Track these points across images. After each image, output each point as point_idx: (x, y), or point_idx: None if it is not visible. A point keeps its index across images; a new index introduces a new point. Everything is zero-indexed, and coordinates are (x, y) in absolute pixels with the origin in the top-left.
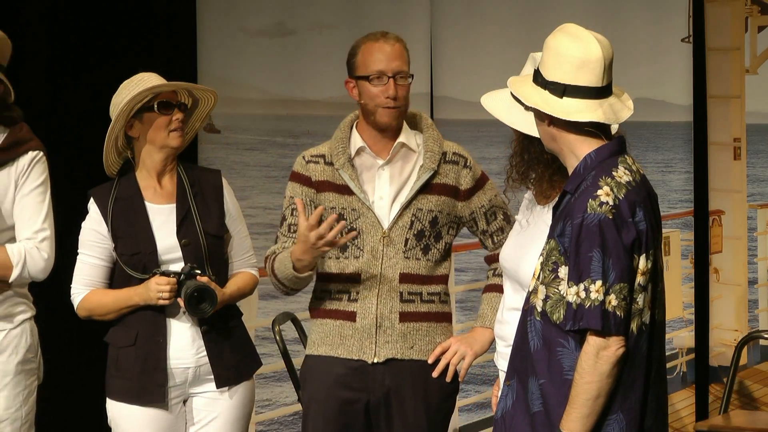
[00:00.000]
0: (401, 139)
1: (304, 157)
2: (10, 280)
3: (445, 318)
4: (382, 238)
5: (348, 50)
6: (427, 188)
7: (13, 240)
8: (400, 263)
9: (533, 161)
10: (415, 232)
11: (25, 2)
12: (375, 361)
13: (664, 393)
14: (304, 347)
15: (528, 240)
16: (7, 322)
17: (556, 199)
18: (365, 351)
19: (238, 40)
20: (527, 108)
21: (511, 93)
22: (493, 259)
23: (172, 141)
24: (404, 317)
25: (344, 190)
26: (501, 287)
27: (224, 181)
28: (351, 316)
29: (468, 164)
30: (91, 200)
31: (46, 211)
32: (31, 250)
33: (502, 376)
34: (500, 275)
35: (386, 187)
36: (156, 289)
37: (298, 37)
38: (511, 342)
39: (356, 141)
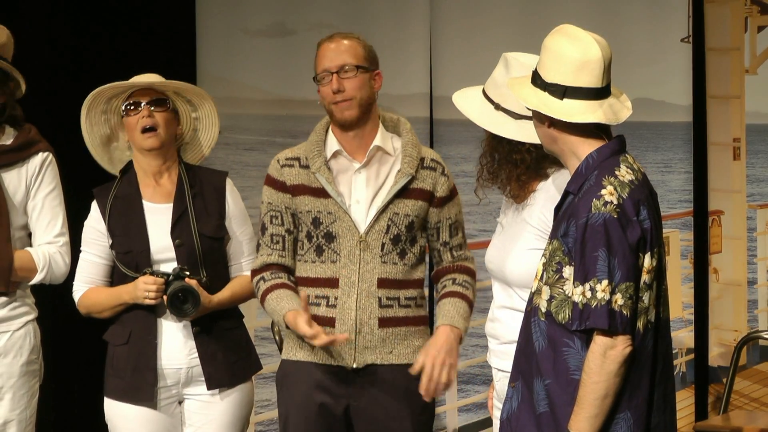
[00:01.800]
0: (377, 142)
1: (278, 161)
2: (31, 283)
3: (423, 321)
4: (359, 243)
5: None
6: (404, 193)
7: (24, 239)
8: (378, 268)
9: (502, 161)
10: (392, 237)
11: (24, 2)
12: (354, 366)
13: (672, 390)
14: None
15: (508, 240)
16: (10, 324)
17: (530, 197)
18: (345, 357)
19: (238, 40)
20: (494, 108)
21: (485, 93)
22: (448, 271)
23: (144, 142)
24: (383, 323)
25: (320, 193)
26: (461, 294)
27: (229, 183)
28: (330, 322)
29: (445, 173)
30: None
31: (63, 214)
32: (55, 255)
33: (495, 373)
34: (461, 284)
35: (363, 191)
36: (143, 288)
37: (297, 37)
38: (504, 340)
39: (332, 143)
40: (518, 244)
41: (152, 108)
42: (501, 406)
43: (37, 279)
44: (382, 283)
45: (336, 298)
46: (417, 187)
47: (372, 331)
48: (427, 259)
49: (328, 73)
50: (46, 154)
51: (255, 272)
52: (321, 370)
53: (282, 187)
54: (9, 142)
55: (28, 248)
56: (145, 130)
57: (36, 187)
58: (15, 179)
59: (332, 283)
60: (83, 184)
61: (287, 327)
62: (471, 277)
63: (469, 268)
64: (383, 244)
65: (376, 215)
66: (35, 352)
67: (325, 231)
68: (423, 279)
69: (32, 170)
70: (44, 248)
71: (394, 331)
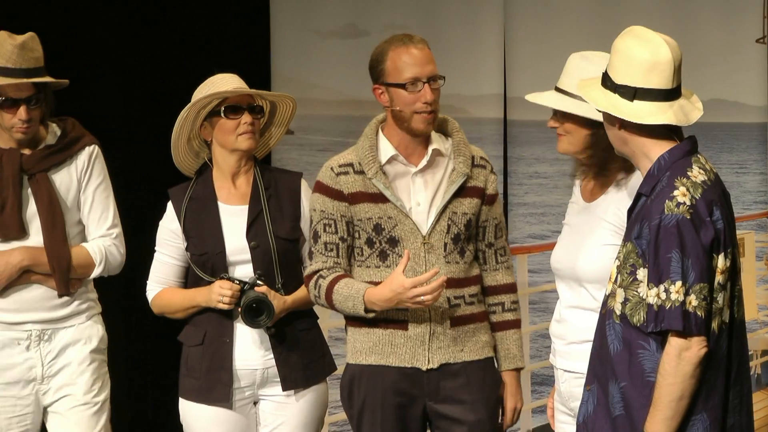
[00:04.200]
0: (435, 145)
1: (332, 169)
2: (91, 277)
3: (485, 317)
4: (423, 245)
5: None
6: (460, 192)
7: (82, 234)
8: (443, 269)
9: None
10: (452, 236)
11: (99, 5)
12: (429, 367)
13: (748, 391)
14: None
15: (579, 238)
16: (77, 318)
17: (607, 193)
18: (418, 358)
19: (311, 41)
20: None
21: (559, 88)
22: (496, 291)
23: (241, 144)
24: (454, 322)
25: (378, 198)
26: (514, 322)
27: (304, 184)
28: (402, 325)
29: (493, 170)
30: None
31: (113, 206)
32: (110, 247)
33: (560, 374)
34: (511, 309)
35: (422, 193)
36: (218, 293)
37: (370, 39)
38: (570, 340)
39: (386, 148)
40: (591, 240)
41: (251, 113)
42: (564, 408)
43: (95, 273)
44: (449, 282)
45: None
46: (471, 186)
47: (444, 331)
48: None
49: (419, 81)
50: (92, 147)
51: (309, 277)
52: (394, 372)
53: (338, 195)
54: (54, 141)
55: (83, 244)
56: (244, 133)
57: (86, 181)
58: (66, 177)
59: None
60: (157, 183)
61: (366, 311)
62: (515, 293)
63: (513, 284)
64: (445, 244)
65: (436, 216)
66: (103, 341)
67: (389, 236)
68: (480, 275)
69: (81, 165)
70: (98, 242)
71: (464, 329)
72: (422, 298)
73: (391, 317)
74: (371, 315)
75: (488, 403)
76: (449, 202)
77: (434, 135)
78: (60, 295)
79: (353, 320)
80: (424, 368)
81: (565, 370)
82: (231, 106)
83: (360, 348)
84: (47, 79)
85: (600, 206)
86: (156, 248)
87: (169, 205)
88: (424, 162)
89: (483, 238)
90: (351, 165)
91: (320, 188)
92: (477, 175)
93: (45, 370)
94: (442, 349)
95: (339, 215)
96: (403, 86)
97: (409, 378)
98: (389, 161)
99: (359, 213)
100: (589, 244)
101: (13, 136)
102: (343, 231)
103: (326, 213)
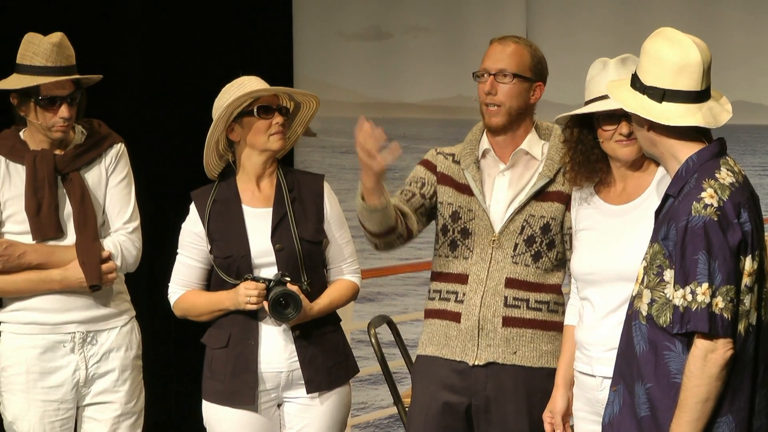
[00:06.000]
0: (523, 146)
1: (435, 149)
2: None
3: (554, 327)
4: (492, 242)
5: (442, 53)
6: (541, 195)
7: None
8: (507, 268)
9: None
10: (525, 238)
11: (122, 6)
12: (476, 363)
13: None
14: (400, 350)
15: (621, 239)
16: (117, 321)
17: (649, 193)
18: (467, 353)
19: (334, 43)
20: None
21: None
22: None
23: (272, 144)
24: (507, 322)
25: (464, 189)
26: None
27: (326, 186)
28: (456, 317)
29: None
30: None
31: (133, 202)
32: (125, 242)
33: (596, 382)
34: None
35: (503, 192)
36: (244, 294)
37: (393, 41)
38: (610, 346)
39: (484, 143)
40: (640, 239)
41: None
42: (594, 417)
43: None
44: (511, 282)
45: (464, 294)
46: (555, 190)
47: (495, 329)
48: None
49: (486, 73)
50: (119, 145)
51: None
52: (446, 366)
53: (432, 168)
54: (82, 140)
55: (102, 240)
56: (275, 133)
57: (109, 176)
58: (96, 175)
59: (462, 279)
60: (182, 185)
61: (363, 199)
62: None
63: None
64: (516, 245)
65: (511, 215)
66: (140, 348)
67: (462, 227)
68: (560, 285)
69: (108, 162)
70: (115, 236)
71: (520, 332)
72: (368, 148)
73: (448, 309)
74: (373, 204)
75: (532, 414)
76: (527, 203)
77: (531, 138)
78: (90, 287)
79: (425, 311)
80: (471, 363)
81: (605, 377)
82: (263, 107)
83: (423, 339)
84: (87, 76)
85: (644, 205)
86: (178, 251)
87: (192, 208)
88: (509, 161)
89: (570, 246)
90: (452, 155)
91: (421, 162)
92: (564, 180)
93: (89, 373)
94: (491, 347)
95: (429, 180)
96: (475, 77)
97: (459, 374)
98: (483, 155)
99: (442, 195)
100: (638, 244)
101: (52, 135)
102: (427, 191)
103: (417, 177)
